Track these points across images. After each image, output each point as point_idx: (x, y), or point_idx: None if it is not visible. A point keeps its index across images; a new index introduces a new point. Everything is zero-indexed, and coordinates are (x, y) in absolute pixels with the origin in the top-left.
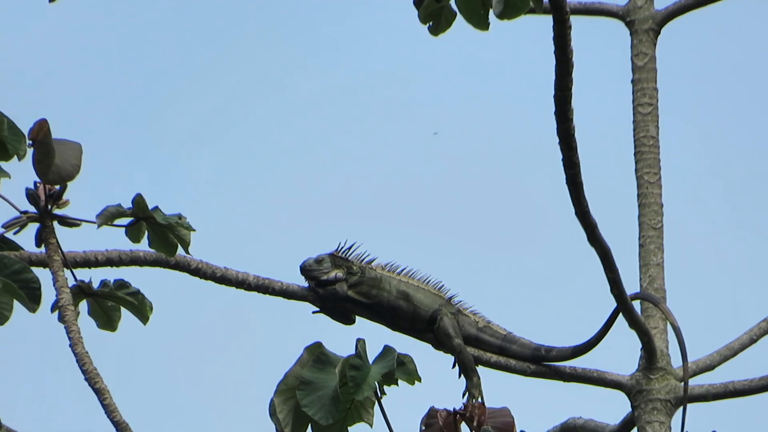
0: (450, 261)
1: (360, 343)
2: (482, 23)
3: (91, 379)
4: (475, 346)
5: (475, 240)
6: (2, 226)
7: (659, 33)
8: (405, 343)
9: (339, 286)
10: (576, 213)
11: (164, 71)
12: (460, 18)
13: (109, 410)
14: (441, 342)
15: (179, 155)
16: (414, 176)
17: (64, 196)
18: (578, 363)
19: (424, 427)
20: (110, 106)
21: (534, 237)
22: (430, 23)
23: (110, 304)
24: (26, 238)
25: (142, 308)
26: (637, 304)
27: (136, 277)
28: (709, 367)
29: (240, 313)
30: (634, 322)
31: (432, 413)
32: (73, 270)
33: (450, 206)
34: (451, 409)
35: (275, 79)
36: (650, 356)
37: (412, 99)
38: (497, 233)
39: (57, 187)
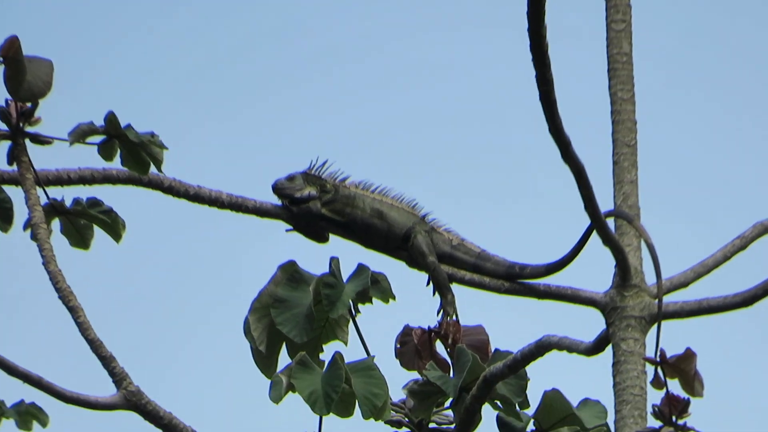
0: (423, 179)
1: (334, 261)
2: None
3: (65, 297)
4: (449, 264)
5: (448, 158)
6: None
7: None
8: (379, 262)
9: (312, 204)
10: (550, 130)
11: None
12: None
13: (83, 328)
14: (415, 260)
15: (153, 72)
16: (388, 95)
17: (36, 114)
18: (552, 281)
19: (398, 345)
20: (81, 22)
21: (507, 155)
22: None
23: (83, 222)
24: None
25: (114, 226)
26: (611, 222)
27: (109, 195)
28: (683, 284)
29: (214, 232)
30: (608, 240)
31: (407, 331)
32: (46, 188)
33: (425, 124)
34: (426, 327)
35: None
36: (624, 273)
37: (381, 19)
38: (470, 152)
39: (28, 104)
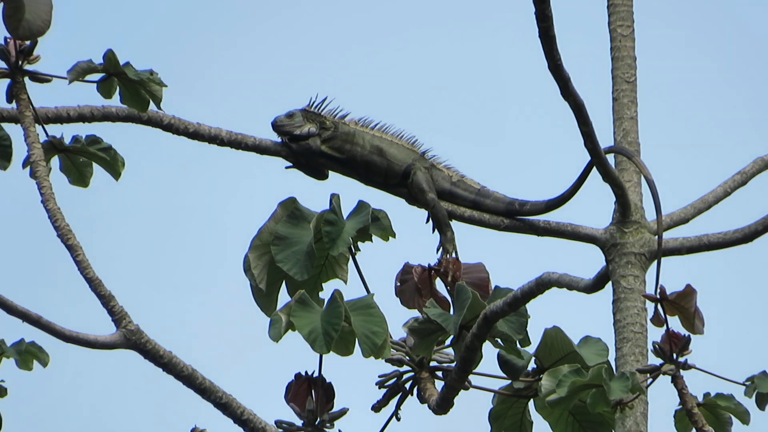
0: (423, 116)
1: (335, 198)
2: None
3: (64, 235)
4: (449, 201)
5: (449, 95)
6: None
7: None
8: (379, 199)
9: (312, 141)
10: (549, 67)
11: None
12: None
13: (82, 267)
14: (414, 197)
15: (151, 9)
16: (389, 33)
17: (35, 52)
18: (552, 217)
19: (398, 283)
20: None
21: (508, 91)
22: None
23: (82, 159)
24: None
25: (114, 164)
26: (611, 158)
27: (108, 133)
28: (684, 221)
29: (213, 170)
30: (607, 176)
31: (406, 269)
32: (45, 126)
33: (425, 62)
34: (426, 265)
35: None
36: (624, 210)
37: None
38: (470, 88)
39: (27, 42)
